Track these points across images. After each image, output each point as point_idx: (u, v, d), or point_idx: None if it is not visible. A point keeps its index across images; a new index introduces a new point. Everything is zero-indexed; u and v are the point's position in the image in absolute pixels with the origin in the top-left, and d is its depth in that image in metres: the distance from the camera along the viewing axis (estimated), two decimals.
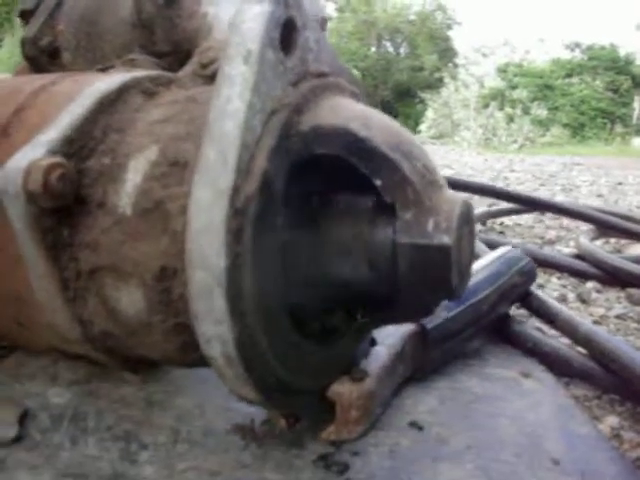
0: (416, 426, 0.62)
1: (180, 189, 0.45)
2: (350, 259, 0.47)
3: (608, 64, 16.67)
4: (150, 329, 0.48)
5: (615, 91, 15.84)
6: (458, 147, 10.24)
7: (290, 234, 0.45)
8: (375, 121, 0.46)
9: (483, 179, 3.62)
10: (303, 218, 0.47)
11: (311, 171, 0.45)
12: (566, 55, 18.18)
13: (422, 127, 15.59)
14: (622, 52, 17.47)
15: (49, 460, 0.53)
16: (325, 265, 0.48)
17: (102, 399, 0.62)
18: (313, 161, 0.45)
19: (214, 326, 0.40)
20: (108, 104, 0.53)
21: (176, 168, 0.46)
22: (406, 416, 0.64)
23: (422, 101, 17.25)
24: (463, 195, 0.46)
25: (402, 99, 20.26)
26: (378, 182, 0.44)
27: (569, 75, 16.49)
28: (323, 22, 0.76)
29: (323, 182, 0.47)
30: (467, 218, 0.45)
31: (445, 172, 3.98)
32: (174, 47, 0.73)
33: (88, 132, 0.50)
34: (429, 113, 15.71)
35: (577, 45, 18.44)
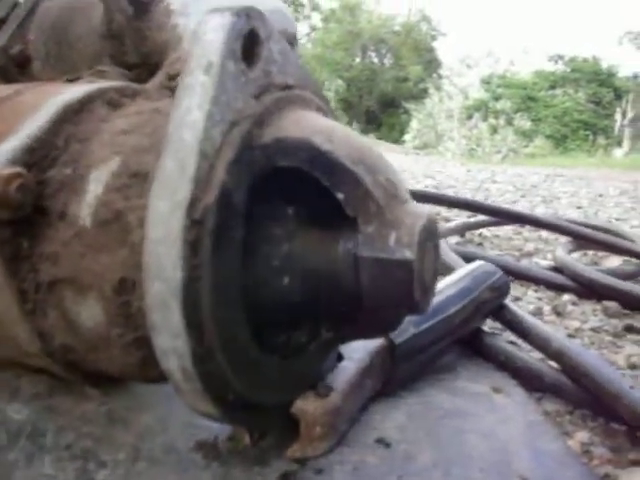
0: (383, 442, 0.61)
1: (140, 200, 0.44)
2: (312, 273, 0.46)
3: (590, 76, 16.87)
4: (109, 343, 0.47)
5: (597, 103, 16.02)
6: (442, 157, 10.29)
7: (250, 247, 0.44)
8: (338, 135, 0.45)
9: (464, 190, 3.63)
10: (264, 231, 0.46)
11: (273, 184, 0.45)
12: (549, 67, 18.39)
13: (406, 137, 15.69)
14: (604, 65, 17.69)
15: (2, 479, 0.52)
16: (287, 279, 0.47)
17: (62, 415, 0.61)
18: (275, 174, 0.44)
19: (170, 339, 0.39)
20: (72, 114, 0.52)
21: (137, 179, 0.46)
22: (373, 432, 0.63)
23: (406, 111, 17.37)
24: (427, 209, 0.46)
25: (386, 109, 20.37)
26: (340, 195, 0.43)
27: (552, 87, 16.67)
28: (292, 37, 0.76)
29: (285, 195, 0.47)
30: (431, 233, 0.45)
31: (427, 182, 3.99)
32: (144, 58, 0.72)
33: (50, 142, 0.50)
34: (413, 124, 15.83)
35: (560, 57, 18.65)
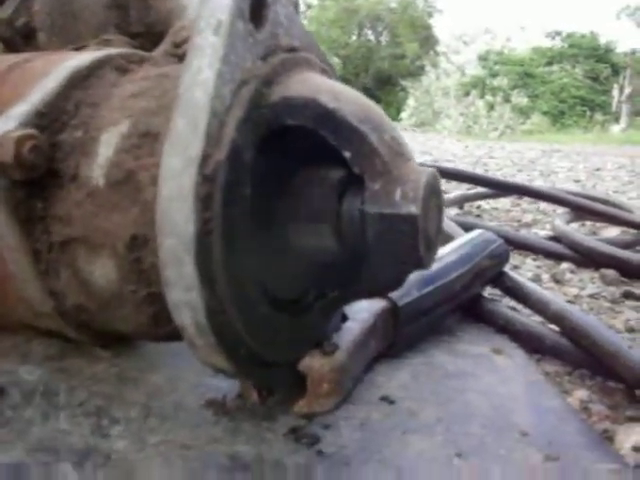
0: (387, 400, 0.62)
1: (151, 159, 0.45)
2: (319, 229, 0.47)
3: (588, 52, 16.78)
4: (122, 300, 0.48)
5: (595, 79, 15.95)
6: (439, 135, 10.27)
7: (260, 204, 0.45)
8: (344, 94, 0.46)
9: (462, 165, 3.63)
10: (273, 188, 0.47)
11: (281, 142, 0.46)
12: (546, 43, 18.27)
13: (403, 115, 15.61)
14: (602, 40, 17.59)
15: (20, 435, 0.53)
16: (295, 236, 0.48)
17: (74, 376, 0.62)
18: (283, 132, 0.45)
19: (184, 293, 0.41)
20: (81, 79, 0.53)
21: (147, 139, 0.47)
22: (378, 391, 0.64)
23: (403, 89, 17.27)
24: (430, 168, 0.47)
25: (383, 87, 20.26)
26: (347, 153, 0.44)
27: (549, 63, 16.58)
28: (295, 3, 0.76)
29: (293, 153, 0.48)
30: (434, 189, 0.46)
31: (425, 158, 3.99)
32: (148, 28, 0.73)
33: (60, 106, 0.51)
34: (410, 101, 15.74)
35: (557, 33, 18.54)
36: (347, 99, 0.46)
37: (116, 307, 0.49)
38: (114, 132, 0.48)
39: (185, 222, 0.40)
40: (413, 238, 0.44)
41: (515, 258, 1.33)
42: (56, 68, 0.53)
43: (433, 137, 8.58)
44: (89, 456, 0.51)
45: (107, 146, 0.48)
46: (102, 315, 0.51)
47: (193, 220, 0.39)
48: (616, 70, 15.90)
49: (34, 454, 0.51)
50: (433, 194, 0.46)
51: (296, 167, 0.49)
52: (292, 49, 0.49)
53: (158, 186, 0.40)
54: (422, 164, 1.50)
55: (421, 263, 0.46)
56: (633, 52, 15.68)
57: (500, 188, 1.80)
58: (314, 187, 0.48)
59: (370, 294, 0.58)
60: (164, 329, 0.48)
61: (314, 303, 0.53)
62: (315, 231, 0.48)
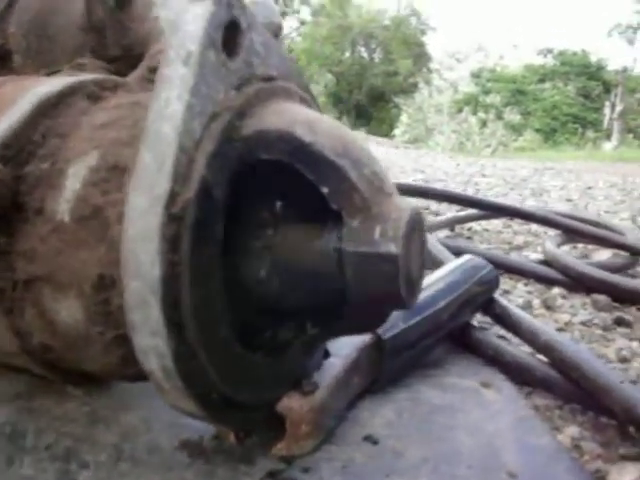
0: (371, 440, 0.60)
1: (119, 195, 0.43)
2: (296, 268, 0.45)
3: (580, 70, 16.93)
4: (89, 341, 0.46)
5: (586, 96, 16.08)
6: (432, 151, 10.29)
7: (232, 243, 0.43)
8: (322, 126, 0.44)
9: (454, 184, 3.63)
10: (247, 226, 0.45)
11: (255, 178, 0.44)
12: (538, 61, 18.44)
13: (396, 132, 15.71)
14: (593, 58, 17.76)
15: None
16: (270, 274, 0.46)
17: (43, 416, 0.60)
18: (257, 168, 0.43)
19: (150, 338, 0.38)
20: (50, 107, 0.51)
21: (116, 173, 0.45)
22: (361, 429, 0.62)
23: (396, 106, 17.39)
24: (413, 203, 0.45)
25: (376, 104, 20.37)
26: (324, 189, 0.42)
27: (541, 80, 16.73)
28: (277, 28, 0.74)
29: (268, 190, 0.46)
30: (417, 226, 0.44)
31: (417, 177, 3.99)
32: (125, 51, 0.71)
33: (27, 136, 0.49)
34: (403, 118, 15.85)
35: (549, 51, 18.71)
36: (324, 131, 0.44)
37: (83, 347, 0.47)
38: (82, 164, 0.46)
39: (151, 264, 0.37)
40: (393, 278, 0.42)
41: (506, 283, 1.31)
42: (24, 95, 0.51)
43: (425, 154, 8.58)
44: None
45: (74, 179, 0.46)
46: (70, 354, 0.49)
47: (159, 262, 0.37)
48: (607, 88, 16.04)
49: None
50: (415, 232, 0.44)
51: (272, 202, 0.47)
52: (269, 78, 0.47)
53: (124, 225, 0.38)
54: (411, 186, 1.49)
55: (403, 303, 0.44)
56: (624, 70, 15.78)
57: (491, 209, 1.78)
58: (291, 223, 0.46)
59: (352, 331, 0.55)
60: (133, 370, 0.45)
61: (293, 341, 0.51)
62: (293, 269, 0.46)
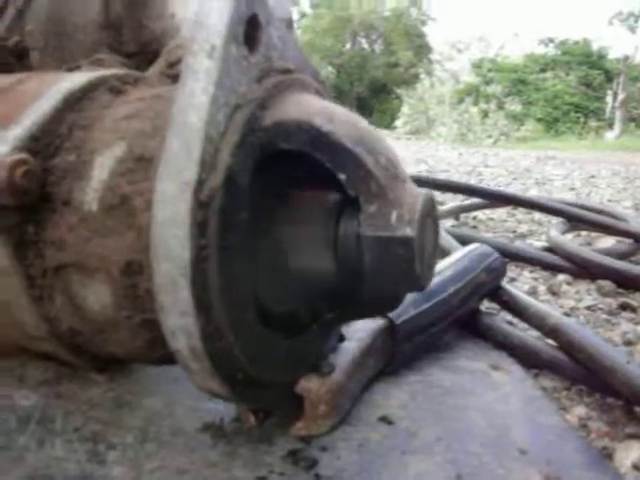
0: (386, 420, 0.62)
1: (146, 184, 0.45)
2: (316, 253, 0.47)
3: (581, 59, 16.86)
4: (117, 325, 0.48)
5: (588, 85, 16.01)
6: (433, 142, 10.28)
7: (256, 228, 0.45)
8: (338, 116, 0.46)
9: (457, 174, 3.64)
10: (269, 212, 0.47)
11: (277, 166, 0.46)
12: (540, 50, 18.36)
13: (398, 123, 15.66)
14: (595, 47, 17.68)
15: (15, 462, 0.52)
16: (292, 259, 0.48)
17: (70, 400, 0.62)
18: (279, 156, 0.45)
19: (179, 318, 0.40)
20: (74, 102, 0.52)
21: (142, 163, 0.46)
22: (376, 411, 0.64)
23: (398, 97, 17.33)
24: (425, 190, 0.47)
25: (378, 95, 20.32)
26: (342, 176, 0.44)
27: (543, 70, 16.66)
28: (289, 23, 0.76)
29: (289, 177, 0.48)
30: (430, 211, 0.46)
31: (420, 167, 4.00)
32: (142, 47, 0.73)
33: (54, 130, 0.50)
34: (405, 109, 15.80)
35: (551, 40, 18.63)
36: (341, 121, 0.45)
37: (111, 332, 0.49)
38: (108, 155, 0.48)
39: (180, 248, 0.39)
40: (410, 260, 0.44)
41: (512, 270, 1.32)
42: (49, 90, 0.53)
43: (428, 145, 8.58)
44: None
45: (101, 169, 0.48)
46: (97, 339, 0.51)
47: (188, 246, 0.39)
48: (609, 76, 15.97)
49: None
50: (429, 216, 0.46)
51: (293, 190, 0.48)
52: (286, 71, 0.49)
53: (152, 211, 0.40)
54: (417, 176, 1.50)
55: (418, 285, 0.46)
56: (626, 58, 15.74)
57: (495, 199, 1.80)
58: (311, 210, 0.48)
59: (367, 315, 0.57)
60: (160, 353, 0.47)
61: (311, 324, 0.53)
62: (313, 254, 0.47)
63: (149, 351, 0.49)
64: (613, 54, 17.65)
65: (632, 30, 19.15)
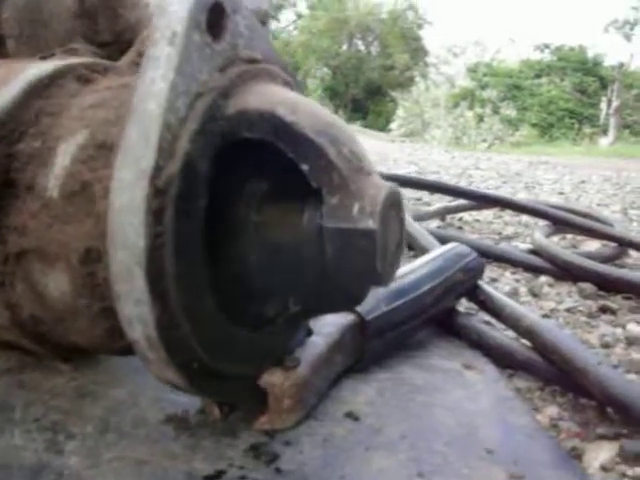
0: (352, 416, 0.62)
1: (106, 171, 0.44)
2: (277, 244, 0.47)
3: (576, 65, 16.93)
4: (77, 314, 0.48)
5: (583, 92, 16.08)
6: (428, 145, 10.30)
7: (215, 217, 0.44)
8: (302, 106, 0.46)
9: (447, 176, 3.64)
10: (229, 202, 0.47)
11: (239, 156, 0.45)
12: (535, 56, 18.42)
13: (393, 125, 15.69)
14: (590, 53, 17.75)
15: None
16: (252, 250, 0.47)
17: (32, 390, 0.61)
18: (240, 146, 0.45)
19: (135, 307, 0.40)
20: (42, 88, 0.52)
21: (103, 151, 0.46)
22: (343, 406, 0.63)
23: (393, 100, 17.37)
24: (392, 183, 0.46)
25: (373, 97, 20.35)
26: (305, 167, 0.44)
27: (538, 76, 16.72)
28: (264, 15, 0.76)
29: (251, 167, 0.47)
30: (394, 204, 0.45)
31: (411, 169, 4.00)
32: (117, 37, 0.72)
33: (19, 116, 0.50)
34: (400, 112, 15.83)
35: (546, 46, 18.69)
36: (305, 111, 0.45)
37: (71, 320, 0.48)
38: (71, 142, 0.48)
39: (136, 236, 0.39)
40: (371, 254, 0.43)
41: (494, 271, 1.32)
42: (16, 77, 0.53)
43: (422, 148, 8.59)
44: (41, 473, 0.49)
45: (64, 156, 0.47)
46: (58, 327, 0.50)
47: (144, 233, 0.39)
48: (604, 83, 16.03)
49: None
50: (393, 209, 0.45)
51: (256, 179, 0.48)
52: (252, 60, 0.49)
53: (110, 198, 0.40)
54: (400, 177, 1.50)
55: (379, 280, 0.45)
56: (621, 65, 15.77)
57: (482, 200, 1.80)
58: (273, 200, 0.47)
59: (332, 309, 0.57)
60: (120, 343, 0.47)
61: (276, 318, 0.52)
62: (274, 245, 0.47)
63: (109, 340, 0.48)
64: (608, 61, 17.67)
65: (627, 38, 19.21)
